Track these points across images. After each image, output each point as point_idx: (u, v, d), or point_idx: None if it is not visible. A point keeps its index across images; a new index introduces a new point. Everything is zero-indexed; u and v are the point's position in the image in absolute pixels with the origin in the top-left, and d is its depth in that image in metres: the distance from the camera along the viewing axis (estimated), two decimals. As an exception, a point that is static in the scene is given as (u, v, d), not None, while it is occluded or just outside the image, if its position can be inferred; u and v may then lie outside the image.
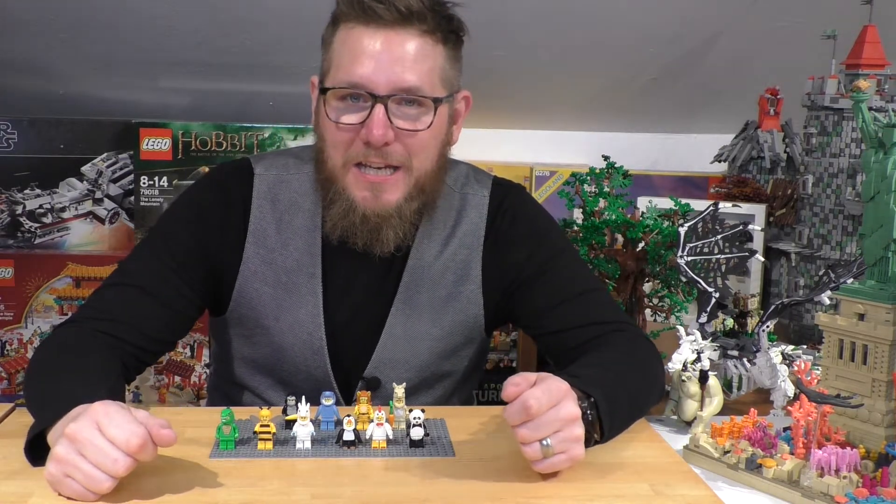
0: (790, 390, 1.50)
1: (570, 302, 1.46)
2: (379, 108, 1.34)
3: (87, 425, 1.06)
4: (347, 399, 1.49)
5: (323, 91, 1.38)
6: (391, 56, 1.34)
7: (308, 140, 2.12)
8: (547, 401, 1.12)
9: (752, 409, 1.34)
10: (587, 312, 1.45)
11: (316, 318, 1.46)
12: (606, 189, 1.80)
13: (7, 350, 2.34)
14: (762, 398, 1.57)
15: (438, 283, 1.49)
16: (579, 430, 1.14)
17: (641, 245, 1.76)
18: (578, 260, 1.57)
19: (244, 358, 1.53)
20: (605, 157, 1.85)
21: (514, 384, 1.13)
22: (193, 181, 1.58)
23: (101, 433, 1.06)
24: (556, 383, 1.15)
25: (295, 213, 1.47)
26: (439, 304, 1.49)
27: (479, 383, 2.37)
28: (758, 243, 2.19)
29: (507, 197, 1.53)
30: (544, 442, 1.12)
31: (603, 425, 1.23)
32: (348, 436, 1.25)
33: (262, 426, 1.25)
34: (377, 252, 1.42)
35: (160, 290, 1.41)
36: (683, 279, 1.58)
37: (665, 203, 1.86)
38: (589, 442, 1.22)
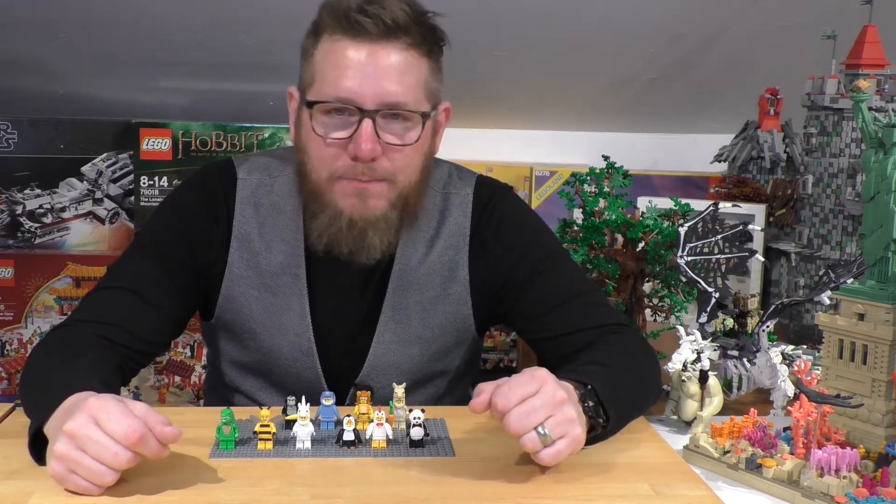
0: (790, 390, 1.50)
1: (565, 306, 1.46)
2: (367, 123, 1.32)
3: (85, 421, 1.07)
4: (339, 403, 1.48)
5: (309, 105, 1.36)
6: (377, 69, 1.32)
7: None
8: (526, 391, 1.12)
9: (752, 409, 1.34)
10: (583, 316, 1.45)
11: (303, 320, 1.46)
12: (606, 189, 1.79)
13: (7, 350, 2.34)
14: (762, 398, 1.57)
15: (426, 286, 1.48)
16: (571, 411, 1.14)
17: (641, 245, 1.76)
18: (570, 261, 1.56)
19: (234, 362, 1.53)
20: (605, 157, 1.85)
21: (477, 393, 1.15)
22: (180, 183, 1.58)
23: (99, 428, 1.06)
24: (532, 371, 1.15)
25: (277, 217, 1.46)
26: (428, 306, 1.48)
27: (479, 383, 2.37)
28: (758, 243, 2.19)
29: (494, 196, 1.52)
30: (540, 430, 1.12)
31: (607, 410, 1.23)
32: (348, 436, 1.25)
33: (262, 426, 1.25)
34: (363, 259, 1.41)
35: (149, 292, 1.42)
36: (683, 279, 1.58)
37: (665, 203, 1.86)
38: (598, 428, 1.23)
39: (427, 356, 1.51)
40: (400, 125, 1.36)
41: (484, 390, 1.15)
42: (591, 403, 1.22)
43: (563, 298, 1.46)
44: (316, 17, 1.38)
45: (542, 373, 1.16)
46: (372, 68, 1.32)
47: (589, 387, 1.23)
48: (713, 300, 1.53)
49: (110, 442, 1.06)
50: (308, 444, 1.26)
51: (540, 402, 1.12)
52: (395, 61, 1.33)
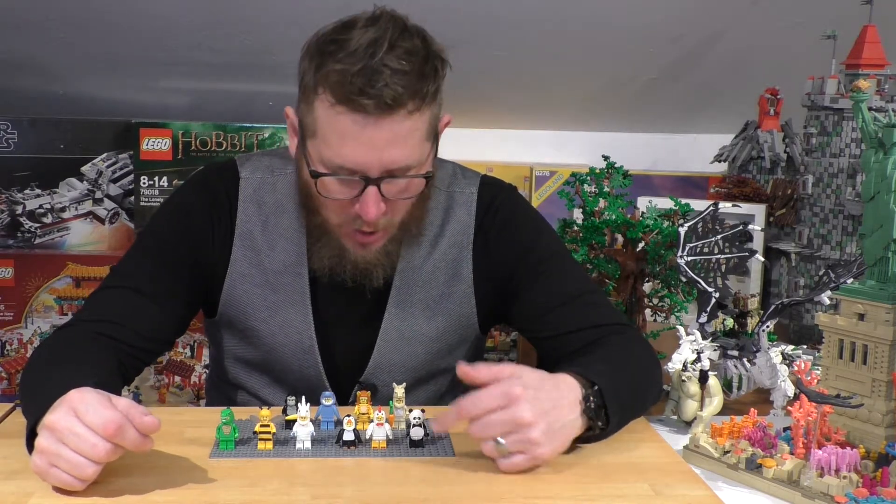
0: (790, 390, 1.50)
1: (566, 305, 1.46)
2: (371, 190, 1.31)
3: (65, 414, 1.07)
4: (342, 402, 1.49)
5: (314, 175, 1.34)
6: (380, 141, 1.29)
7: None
8: (489, 404, 1.16)
9: (752, 409, 1.34)
10: (585, 315, 1.45)
11: (305, 318, 1.46)
12: (606, 189, 1.79)
13: (7, 350, 2.34)
14: (762, 398, 1.57)
15: (430, 284, 1.49)
16: (535, 433, 1.16)
17: (641, 245, 1.76)
18: (572, 261, 1.56)
19: (238, 358, 1.53)
20: (605, 157, 1.85)
21: (481, 369, 1.20)
22: (182, 182, 1.58)
23: (78, 420, 1.07)
24: (509, 388, 1.17)
25: (280, 215, 1.47)
26: (432, 304, 1.49)
27: (480, 383, 2.37)
28: (758, 243, 2.19)
29: (498, 196, 1.52)
30: (499, 440, 1.16)
31: (609, 413, 1.24)
32: (348, 436, 1.25)
33: (262, 426, 1.25)
34: (367, 288, 1.43)
35: (154, 291, 1.42)
36: (683, 279, 1.58)
37: (665, 203, 1.86)
38: (595, 429, 1.24)
39: (432, 354, 1.51)
40: (404, 182, 1.35)
41: (479, 373, 1.20)
42: (593, 405, 1.23)
43: (565, 298, 1.46)
44: (314, 57, 1.31)
45: (516, 391, 1.16)
46: (375, 140, 1.29)
47: (596, 387, 1.24)
48: (713, 300, 1.53)
49: (89, 433, 1.06)
50: (308, 444, 1.26)
51: (501, 418, 1.16)
52: (397, 130, 1.29)
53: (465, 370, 1.21)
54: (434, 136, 1.38)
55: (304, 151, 1.36)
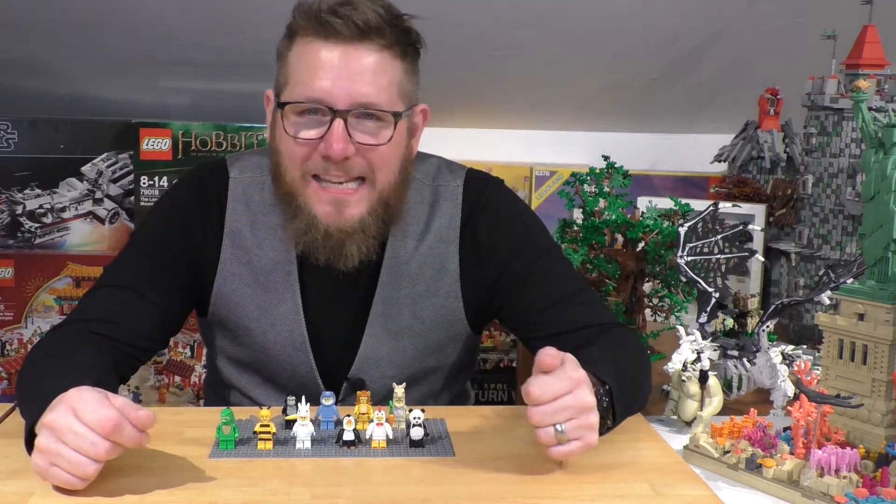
0: (790, 390, 1.50)
1: (558, 305, 1.46)
2: (338, 123, 1.33)
3: (64, 413, 1.07)
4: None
5: (280, 105, 1.37)
6: (350, 70, 1.33)
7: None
8: (559, 389, 1.13)
9: (752, 409, 1.34)
10: (576, 316, 1.45)
11: (296, 315, 1.47)
12: (606, 189, 1.79)
13: (7, 350, 2.34)
14: (762, 398, 1.57)
15: (417, 279, 1.48)
16: (594, 419, 1.15)
17: (641, 245, 1.76)
18: (562, 259, 1.56)
19: (230, 358, 1.54)
20: (605, 157, 1.85)
21: (549, 355, 1.14)
22: (175, 181, 1.58)
23: (77, 419, 1.07)
24: (574, 371, 1.16)
25: (269, 214, 1.47)
26: (419, 299, 1.49)
27: (480, 383, 2.38)
28: (758, 243, 2.19)
29: (485, 191, 1.52)
30: (558, 427, 1.13)
31: (616, 412, 1.25)
32: (348, 436, 1.25)
33: (262, 426, 1.25)
34: (340, 267, 1.42)
35: (148, 289, 1.42)
36: (683, 279, 1.58)
37: (665, 203, 1.86)
38: (602, 428, 1.24)
39: (419, 350, 1.51)
40: (373, 124, 1.36)
41: (551, 355, 1.14)
42: (605, 404, 1.23)
43: (557, 298, 1.46)
44: (290, 20, 1.38)
45: (580, 375, 1.16)
46: (344, 69, 1.33)
47: (607, 386, 1.24)
48: (713, 300, 1.53)
49: (88, 432, 1.06)
50: (308, 444, 1.26)
51: (568, 402, 1.14)
52: (367, 63, 1.33)
53: (544, 363, 1.16)
54: (408, 104, 1.40)
55: (278, 113, 1.38)
